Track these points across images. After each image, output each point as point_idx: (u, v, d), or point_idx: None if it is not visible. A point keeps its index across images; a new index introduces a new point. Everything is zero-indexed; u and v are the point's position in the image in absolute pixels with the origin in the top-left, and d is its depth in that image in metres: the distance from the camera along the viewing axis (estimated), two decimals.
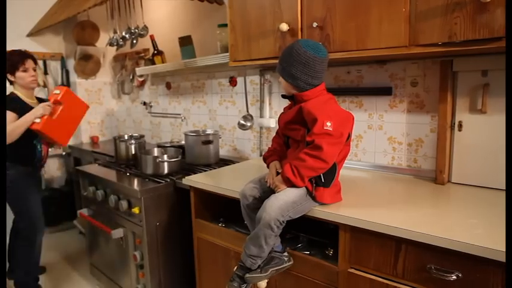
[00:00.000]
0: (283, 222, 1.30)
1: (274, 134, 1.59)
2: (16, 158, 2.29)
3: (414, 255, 1.17)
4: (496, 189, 1.54)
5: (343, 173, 1.41)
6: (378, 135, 1.92)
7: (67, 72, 3.63)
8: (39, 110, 2.20)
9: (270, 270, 1.39)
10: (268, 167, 1.51)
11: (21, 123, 2.17)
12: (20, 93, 2.32)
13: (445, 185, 1.65)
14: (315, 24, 1.60)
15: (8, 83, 2.30)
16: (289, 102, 1.48)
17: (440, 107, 1.64)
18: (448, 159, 1.66)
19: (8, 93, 2.29)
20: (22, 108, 2.23)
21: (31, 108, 2.25)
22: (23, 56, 2.29)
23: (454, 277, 1.09)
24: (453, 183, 1.66)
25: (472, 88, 1.57)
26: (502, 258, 0.99)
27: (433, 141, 1.72)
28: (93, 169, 2.48)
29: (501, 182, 1.53)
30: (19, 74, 2.27)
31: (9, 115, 2.14)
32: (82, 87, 3.71)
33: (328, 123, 1.25)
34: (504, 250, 0.99)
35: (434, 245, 1.10)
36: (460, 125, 1.62)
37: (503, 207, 1.35)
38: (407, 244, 1.18)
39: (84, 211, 2.46)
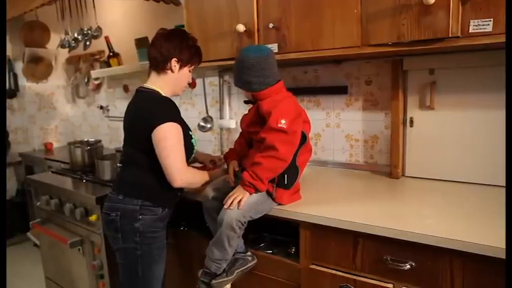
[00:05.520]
0: (244, 222, 1.30)
1: (234, 135, 1.59)
2: (158, 193, 1.46)
3: (371, 248, 1.22)
4: (446, 180, 1.63)
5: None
6: (335, 133, 1.97)
7: (15, 75, 3.42)
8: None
9: (236, 272, 1.39)
10: (227, 166, 1.51)
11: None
12: None
13: (399, 179, 1.72)
14: (271, 25, 1.62)
15: None
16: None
17: (392, 104, 1.71)
18: (401, 154, 1.73)
19: None
20: None
21: None
22: None
23: (408, 266, 1.14)
24: (407, 176, 1.74)
25: (421, 86, 1.65)
26: (450, 245, 1.05)
27: (387, 137, 1.79)
28: (47, 177, 2.35)
29: (450, 174, 1.62)
30: None
31: None
32: (32, 91, 3.52)
33: (283, 121, 1.25)
34: (451, 238, 1.05)
35: (390, 237, 1.15)
36: (412, 121, 1.70)
37: (453, 197, 1.43)
38: (364, 238, 1.22)
39: (38, 222, 2.33)
